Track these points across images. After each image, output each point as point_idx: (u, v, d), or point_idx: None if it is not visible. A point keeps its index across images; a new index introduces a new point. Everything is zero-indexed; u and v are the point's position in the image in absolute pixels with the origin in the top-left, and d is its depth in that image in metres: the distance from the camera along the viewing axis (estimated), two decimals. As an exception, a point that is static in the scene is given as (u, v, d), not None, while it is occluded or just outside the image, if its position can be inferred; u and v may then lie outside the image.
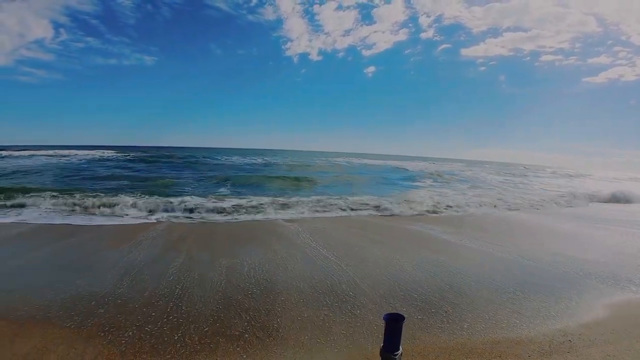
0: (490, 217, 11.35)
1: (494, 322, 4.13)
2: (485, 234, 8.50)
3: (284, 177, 20.87)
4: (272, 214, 10.34)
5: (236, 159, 39.58)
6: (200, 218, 9.66)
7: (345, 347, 3.57)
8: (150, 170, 24.55)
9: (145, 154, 40.17)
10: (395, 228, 9.17)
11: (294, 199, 12.19)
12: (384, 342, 1.82)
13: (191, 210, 10.17)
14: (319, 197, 12.56)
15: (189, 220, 9.32)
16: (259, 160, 39.78)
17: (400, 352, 1.81)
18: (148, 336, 3.63)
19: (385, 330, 1.79)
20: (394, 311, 2.15)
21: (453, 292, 4.93)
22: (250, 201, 11.56)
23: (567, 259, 6.63)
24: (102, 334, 3.64)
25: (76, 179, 17.99)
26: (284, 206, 11.29)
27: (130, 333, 3.66)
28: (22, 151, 40.06)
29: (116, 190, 12.78)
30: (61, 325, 3.78)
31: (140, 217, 9.50)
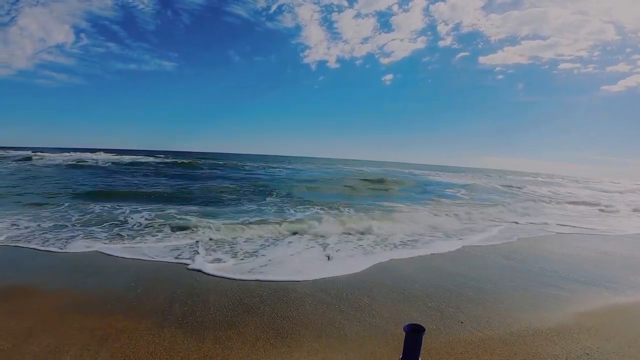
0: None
1: None
2: None
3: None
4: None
5: (264, 167, 39.58)
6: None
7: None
8: (203, 179, 23.78)
9: (167, 160, 40.66)
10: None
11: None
12: (403, 354, 1.69)
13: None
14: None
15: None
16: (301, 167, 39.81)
17: (419, 364, 1.70)
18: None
19: (405, 341, 1.67)
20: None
21: None
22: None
23: None
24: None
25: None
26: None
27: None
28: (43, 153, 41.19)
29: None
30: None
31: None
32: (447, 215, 12.42)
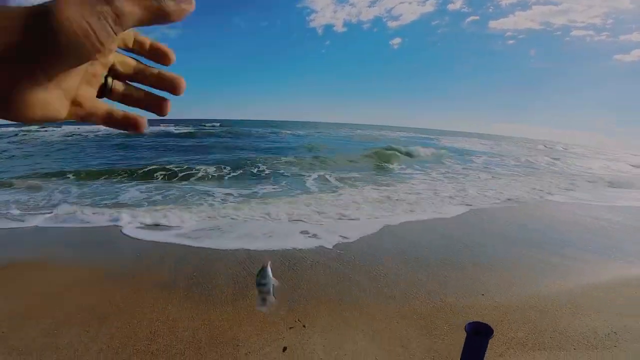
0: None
1: None
2: None
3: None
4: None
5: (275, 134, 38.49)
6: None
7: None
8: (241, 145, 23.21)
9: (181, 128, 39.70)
10: None
11: None
12: (462, 358, 1.33)
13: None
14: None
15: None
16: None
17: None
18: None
19: (465, 343, 1.30)
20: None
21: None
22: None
23: None
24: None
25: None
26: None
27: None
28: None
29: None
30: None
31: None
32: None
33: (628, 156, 31.81)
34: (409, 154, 19.30)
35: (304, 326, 3.37)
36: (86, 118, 0.43)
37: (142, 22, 0.37)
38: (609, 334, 3.44)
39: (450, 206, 8.21)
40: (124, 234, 5.89)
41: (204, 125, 48.73)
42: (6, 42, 0.33)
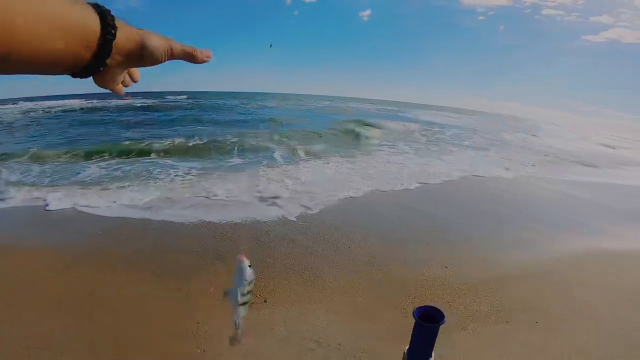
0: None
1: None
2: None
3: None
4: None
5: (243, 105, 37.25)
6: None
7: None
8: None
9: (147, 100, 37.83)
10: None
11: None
12: (410, 345, 1.26)
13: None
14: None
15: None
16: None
17: (432, 360, 1.26)
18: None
19: (414, 331, 1.23)
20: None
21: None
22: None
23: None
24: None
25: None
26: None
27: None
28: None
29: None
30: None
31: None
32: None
33: (598, 136, 32.89)
34: (377, 127, 19.27)
35: (265, 301, 3.33)
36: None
37: (182, 58, 0.66)
38: (569, 307, 3.55)
39: (416, 180, 8.24)
40: (81, 212, 5.61)
41: (165, 98, 46.68)
42: (130, 50, 0.58)
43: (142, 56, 0.60)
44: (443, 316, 1.20)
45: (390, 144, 14.12)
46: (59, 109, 29.31)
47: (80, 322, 3.05)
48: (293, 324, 3.08)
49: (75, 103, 36.21)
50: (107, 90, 0.65)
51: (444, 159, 11.69)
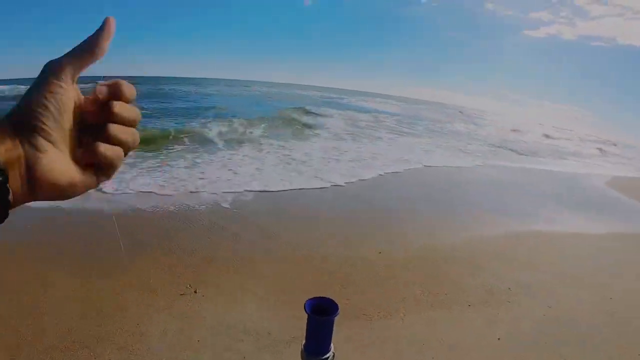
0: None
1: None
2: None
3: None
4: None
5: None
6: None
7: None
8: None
9: None
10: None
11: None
12: (306, 339, 1.23)
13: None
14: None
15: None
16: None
17: (331, 353, 1.23)
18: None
19: (308, 324, 1.21)
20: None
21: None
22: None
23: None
24: None
25: None
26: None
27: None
28: None
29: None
30: None
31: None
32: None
33: (538, 126, 34.88)
34: (317, 115, 19.22)
35: (195, 292, 3.24)
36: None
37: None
38: (502, 289, 3.70)
39: (355, 169, 8.32)
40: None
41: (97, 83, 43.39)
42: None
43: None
44: (337, 308, 1.19)
45: (327, 131, 14.14)
46: None
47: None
48: (223, 314, 3.02)
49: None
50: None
51: (382, 146, 11.90)
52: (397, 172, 8.41)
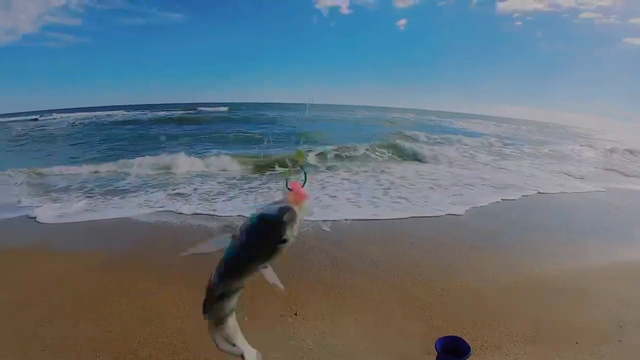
0: None
1: None
2: None
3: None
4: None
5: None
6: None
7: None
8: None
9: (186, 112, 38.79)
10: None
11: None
12: None
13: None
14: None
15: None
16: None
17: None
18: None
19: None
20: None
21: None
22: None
23: None
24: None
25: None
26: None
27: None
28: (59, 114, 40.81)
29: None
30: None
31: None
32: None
33: None
34: (418, 139, 18.54)
35: (296, 314, 3.25)
36: None
37: None
38: (613, 326, 3.24)
39: (463, 196, 7.85)
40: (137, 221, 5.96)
41: (194, 110, 46.81)
42: None
43: None
44: (469, 349, 1.06)
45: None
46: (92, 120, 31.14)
47: (96, 327, 3.08)
48: (322, 338, 2.97)
49: (119, 114, 38.28)
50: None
51: (488, 171, 11.22)
52: (510, 199, 7.68)
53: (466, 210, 6.60)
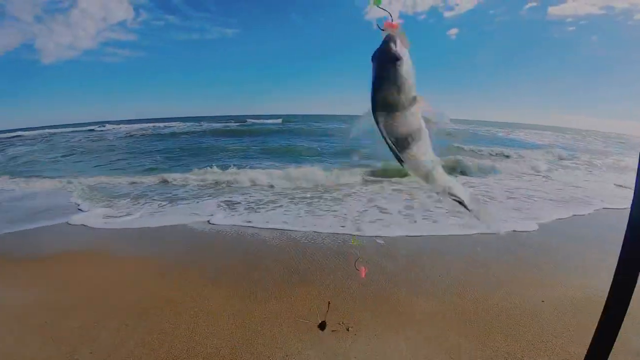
0: None
1: None
2: None
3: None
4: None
5: None
6: None
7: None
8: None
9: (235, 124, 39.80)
10: None
11: None
12: None
13: None
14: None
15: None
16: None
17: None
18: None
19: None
20: None
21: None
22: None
23: None
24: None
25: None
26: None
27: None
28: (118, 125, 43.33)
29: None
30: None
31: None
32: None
33: None
34: (478, 151, 17.90)
35: (348, 330, 3.13)
36: None
37: None
38: None
39: (527, 210, 7.53)
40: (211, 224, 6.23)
41: (247, 121, 47.64)
42: None
43: None
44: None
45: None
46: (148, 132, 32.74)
47: (152, 330, 3.12)
48: (373, 356, 2.84)
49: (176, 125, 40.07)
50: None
51: (554, 185, 10.58)
52: (580, 215, 7.06)
53: (533, 225, 6.15)
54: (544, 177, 11.69)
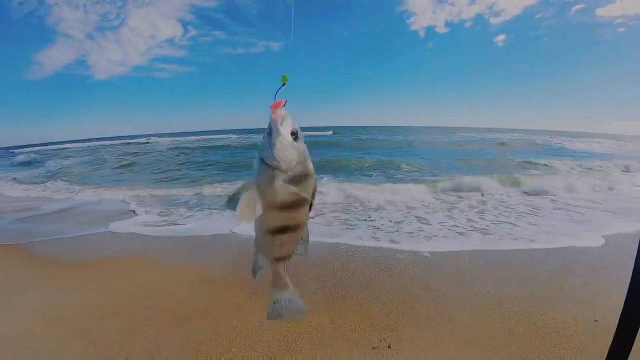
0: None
1: None
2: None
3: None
4: None
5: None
6: None
7: None
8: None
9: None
10: None
11: None
12: None
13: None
14: None
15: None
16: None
17: None
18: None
19: None
20: None
21: None
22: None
23: None
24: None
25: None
26: None
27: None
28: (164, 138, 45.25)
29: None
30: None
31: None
32: None
33: None
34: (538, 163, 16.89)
35: (389, 347, 2.97)
36: None
37: None
38: None
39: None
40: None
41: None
42: None
43: None
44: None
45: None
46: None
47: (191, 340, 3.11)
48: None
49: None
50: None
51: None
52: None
53: (598, 239, 5.68)
54: (609, 188, 10.79)
